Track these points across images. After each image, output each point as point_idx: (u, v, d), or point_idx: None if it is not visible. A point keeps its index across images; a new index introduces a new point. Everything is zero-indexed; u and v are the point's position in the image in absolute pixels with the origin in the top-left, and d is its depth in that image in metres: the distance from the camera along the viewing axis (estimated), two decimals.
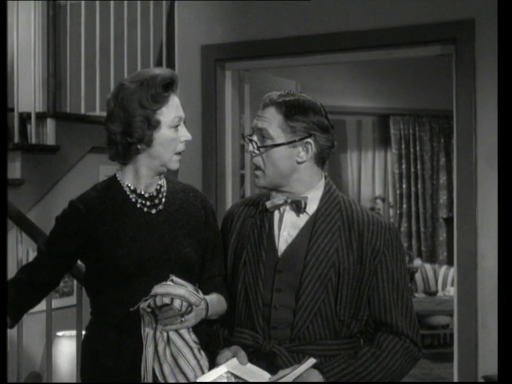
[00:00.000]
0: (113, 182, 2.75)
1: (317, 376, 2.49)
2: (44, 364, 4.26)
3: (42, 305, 4.12)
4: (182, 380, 2.46)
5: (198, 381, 2.47)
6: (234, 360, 2.54)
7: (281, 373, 2.46)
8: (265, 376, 2.48)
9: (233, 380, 2.49)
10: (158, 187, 2.73)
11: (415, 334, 2.62)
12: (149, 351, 2.50)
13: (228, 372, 2.51)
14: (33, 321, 4.34)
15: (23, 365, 4.00)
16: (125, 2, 5.46)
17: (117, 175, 2.75)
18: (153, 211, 2.69)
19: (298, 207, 2.63)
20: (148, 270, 2.60)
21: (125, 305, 2.57)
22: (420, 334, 2.66)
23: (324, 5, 5.07)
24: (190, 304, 2.47)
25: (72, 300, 4.46)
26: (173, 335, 2.49)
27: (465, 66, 4.66)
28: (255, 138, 2.64)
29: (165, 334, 2.49)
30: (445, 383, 7.49)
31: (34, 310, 4.43)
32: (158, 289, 2.46)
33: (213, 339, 2.73)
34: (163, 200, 2.71)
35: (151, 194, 2.71)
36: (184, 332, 2.50)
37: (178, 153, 2.68)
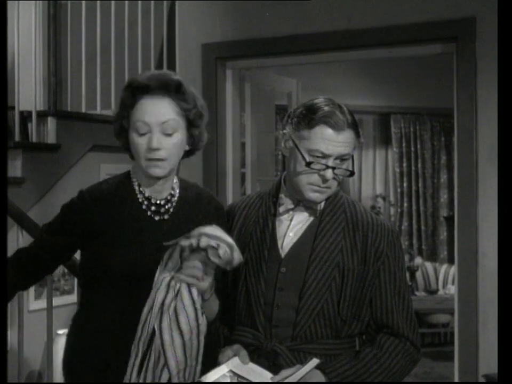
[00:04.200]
0: (125, 177, 2.69)
1: (319, 377, 2.48)
2: (45, 362, 4.26)
3: (43, 304, 4.13)
4: (177, 336, 2.38)
5: (200, 380, 2.47)
6: (236, 359, 2.54)
7: (283, 373, 2.46)
8: (267, 375, 2.48)
9: (235, 380, 2.48)
10: (169, 196, 2.65)
11: (415, 336, 2.63)
12: (158, 298, 2.41)
13: (230, 371, 2.51)
14: (34, 320, 4.35)
15: (24, 364, 4.00)
16: (126, 1, 5.46)
17: (131, 171, 2.69)
18: (157, 218, 2.62)
19: (314, 209, 2.63)
20: (140, 278, 2.53)
21: (114, 304, 2.54)
22: (419, 336, 2.66)
23: (325, 3, 5.07)
24: (230, 258, 2.36)
25: (73, 298, 4.46)
26: (184, 290, 2.40)
27: (466, 65, 4.66)
28: (334, 164, 2.54)
29: (178, 285, 2.40)
30: (446, 383, 7.49)
31: (35, 308, 4.45)
32: (205, 229, 2.36)
33: (213, 337, 2.72)
34: (171, 210, 2.64)
35: (159, 202, 2.64)
36: (194, 291, 2.41)
37: (152, 160, 2.54)
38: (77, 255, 2.80)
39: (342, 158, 2.55)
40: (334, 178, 2.55)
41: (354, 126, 2.56)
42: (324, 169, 2.52)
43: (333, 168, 2.53)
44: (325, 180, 2.54)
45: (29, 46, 4.76)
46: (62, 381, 4.39)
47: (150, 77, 2.59)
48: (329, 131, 2.51)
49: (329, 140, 2.51)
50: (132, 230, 2.60)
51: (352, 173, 2.59)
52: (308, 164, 2.52)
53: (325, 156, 2.52)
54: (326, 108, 2.52)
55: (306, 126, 2.53)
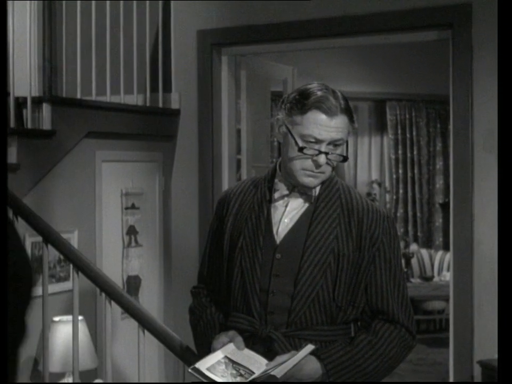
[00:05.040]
0: None
1: (314, 363, 2.49)
2: (41, 349, 4.26)
3: (38, 291, 4.11)
4: None
5: (195, 366, 2.47)
6: (231, 345, 2.54)
7: (279, 359, 2.46)
8: (262, 361, 2.48)
9: (230, 366, 2.49)
10: None
11: (410, 323, 2.63)
12: None
13: (225, 357, 2.51)
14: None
15: (20, 350, 4.00)
16: None
17: None
18: None
19: (308, 195, 2.63)
20: None
21: None
22: (414, 323, 2.66)
23: None
24: None
25: (68, 284, 4.46)
26: None
27: (462, 52, 4.66)
28: (327, 150, 2.53)
29: None
30: (443, 383, 7.50)
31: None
32: None
33: (208, 323, 2.73)
34: None
35: None
36: None
37: None
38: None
39: (335, 143, 2.54)
40: (327, 163, 2.54)
41: (348, 111, 2.55)
42: (317, 155, 2.52)
43: (326, 153, 2.52)
44: (318, 165, 2.53)
45: (23, 31, 4.74)
46: (58, 366, 4.40)
47: None
48: (321, 116, 2.50)
49: (322, 125, 2.50)
50: None
51: (345, 158, 2.58)
52: (301, 149, 2.51)
53: (318, 141, 2.51)
54: (319, 93, 2.52)
55: (299, 111, 2.53)
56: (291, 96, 2.59)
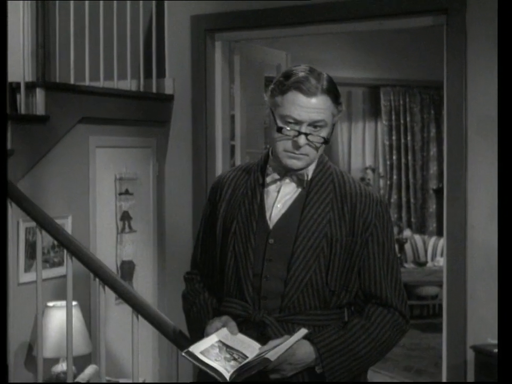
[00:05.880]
0: None
1: (307, 347, 2.50)
2: (35, 334, 4.27)
3: (33, 276, 4.12)
4: None
5: (189, 350, 2.47)
6: (225, 330, 2.55)
7: (272, 343, 2.47)
8: (255, 346, 2.49)
9: (224, 350, 2.49)
10: None
11: (403, 307, 2.63)
12: None
13: (219, 341, 2.52)
14: (24, 292, 4.35)
15: (15, 335, 4.01)
16: None
17: None
18: None
19: (300, 180, 2.62)
20: None
21: None
22: (407, 307, 2.67)
23: None
24: None
25: (62, 270, 4.46)
26: None
27: (456, 37, 4.65)
28: (308, 131, 2.51)
29: None
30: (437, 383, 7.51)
31: (25, 280, 4.44)
32: None
33: (201, 309, 2.73)
34: None
35: None
36: None
37: None
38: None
39: (315, 125, 2.52)
40: (309, 145, 2.53)
41: (331, 92, 2.53)
42: (297, 136, 2.51)
43: (306, 134, 2.51)
44: (297, 146, 2.52)
45: (17, 16, 4.73)
46: (52, 351, 4.41)
47: None
48: (300, 96, 2.49)
49: (301, 106, 2.49)
50: None
51: (326, 141, 2.56)
52: (279, 129, 2.51)
53: (298, 122, 2.51)
54: (301, 74, 2.51)
55: (279, 92, 2.53)
56: (276, 78, 2.59)
